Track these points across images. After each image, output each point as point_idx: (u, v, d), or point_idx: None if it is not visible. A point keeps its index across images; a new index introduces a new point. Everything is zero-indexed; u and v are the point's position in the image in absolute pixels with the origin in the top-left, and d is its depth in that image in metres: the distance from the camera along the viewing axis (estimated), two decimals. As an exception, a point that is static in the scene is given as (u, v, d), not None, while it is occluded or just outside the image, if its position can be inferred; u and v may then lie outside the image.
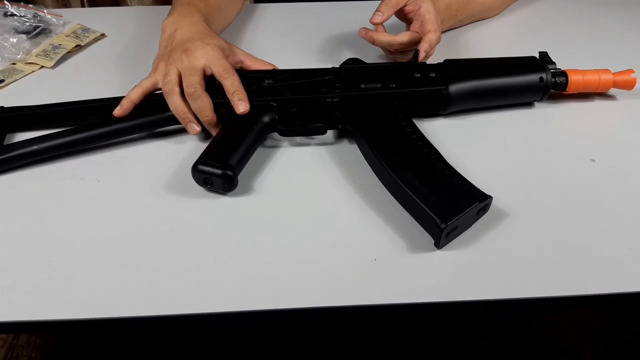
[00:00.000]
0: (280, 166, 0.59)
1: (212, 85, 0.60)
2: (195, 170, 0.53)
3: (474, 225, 0.51)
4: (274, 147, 0.62)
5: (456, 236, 0.50)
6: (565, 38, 0.83)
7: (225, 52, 0.64)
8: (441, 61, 0.66)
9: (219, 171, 0.52)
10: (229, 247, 0.49)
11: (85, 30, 0.86)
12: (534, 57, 0.67)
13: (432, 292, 0.46)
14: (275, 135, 0.62)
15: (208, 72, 0.61)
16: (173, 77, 0.60)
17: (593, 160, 0.59)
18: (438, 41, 0.69)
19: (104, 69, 0.78)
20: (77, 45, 0.82)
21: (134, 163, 0.59)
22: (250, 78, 0.62)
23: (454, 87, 0.63)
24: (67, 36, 0.83)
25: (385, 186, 0.55)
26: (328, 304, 0.45)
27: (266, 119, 0.59)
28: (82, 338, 1.09)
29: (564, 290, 0.46)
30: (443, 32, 0.77)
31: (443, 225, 0.47)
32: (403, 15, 0.73)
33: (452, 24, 0.82)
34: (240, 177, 0.55)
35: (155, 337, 1.03)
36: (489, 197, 0.50)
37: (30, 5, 0.88)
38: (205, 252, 0.49)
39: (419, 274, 0.47)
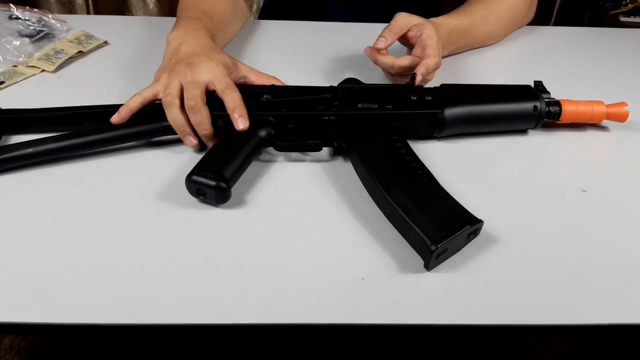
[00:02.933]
0: (274, 181, 0.59)
1: (210, 97, 0.61)
2: (189, 180, 0.53)
3: (464, 249, 0.51)
4: (269, 161, 0.62)
5: (446, 258, 0.50)
6: (560, 69, 0.85)
7: (229, 68, 0.64)
8: (438, 86, 0.67)
9: (212, 182, 0.52)
10: (218, 259, 0.49)
11: (89, 37, 0.87)
12: (529, 86, 0.68)
13: (419, 313, 0.46)
14: (271, 149, 0.63)
15: (211, 88, 0.62)
16: (174, 89, 0.60)
17: (584, 191, 0.60)
18: (437, 66, 0.70)
19: (104, 76, 0.78)
20: (79, 52, 0.83)
21: (128, 171, 0.60)
22: (249, 92, 0.63)
23: (449, 111, 0.63)
24: (70, 42, 0.84)
25: (377, 205, 0.55)
26: (313, 320, 0.45)
27: (262, 133, 0.60)
28: (67, 343, 1.08)
29: (551, 318, 0.46)
30: (443, 57, 0.78)
31: (433, 247, 0.47)
32: (406, 41, 0.74)
33: (452, 50, 0.83)
34: (233, 189, 0.55)
35: (142, 345, 1.02)
36: (480, 222, 0.50)
37: (36, 10, 0.88)
38: (193, 263, 0.49)
39: (407, 294, 0.47)
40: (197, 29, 0.70)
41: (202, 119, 0.59)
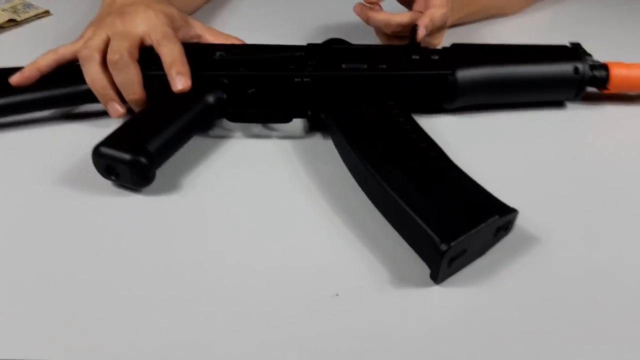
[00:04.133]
0: (225, 161, 0.44)
1: (146, 55, 0.46)
2: (97, 153, 0.38)
3: (490, 252, 0.35)
4: (223, 137, 0.47)
5: (464, 266, 0.34)
6: (595, 42, 0.68)
7: (175, 22, 0.50)
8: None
9: (126, 156, 0.37)
10: (134, 265, 0.34)
11: (27, 5, 0.72)
12: (565, 46, 0.53)
13: (421, 349, 0.29)
14: (227, 122, 0.47)
15: (147, 42, 0.47)
16: (96, 42, 0.46)
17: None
18: (444, 20, 0.55)
19: (39, 49, 0.63)
20: (11, 20, 0.68)
21: (29, 147, 0.45)
22: (198, 50, 0.48)
23: (463, 74, 0.48)
24: (3, 10, 0.70)
25: (366, 193, 0.40)
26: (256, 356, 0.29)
27: (210, 98, 0.44)
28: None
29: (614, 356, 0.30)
30: (452, 26, 0.63)
31: (444, 247, 0.31)
32: None
33: (463, 15, 0.68)
34: (165, 171, 0.40)
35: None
36: (513, 211, 0.34)
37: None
38: (101, 268, 0.34)
39: (403, 319, 0.31)
40: (143, -19, 0.56)
41: (130, 78, 0.44)
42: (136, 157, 0.37)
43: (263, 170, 0.43)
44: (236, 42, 0.52)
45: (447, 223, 0.32)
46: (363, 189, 0.40)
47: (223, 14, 0.73)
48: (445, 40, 0.58)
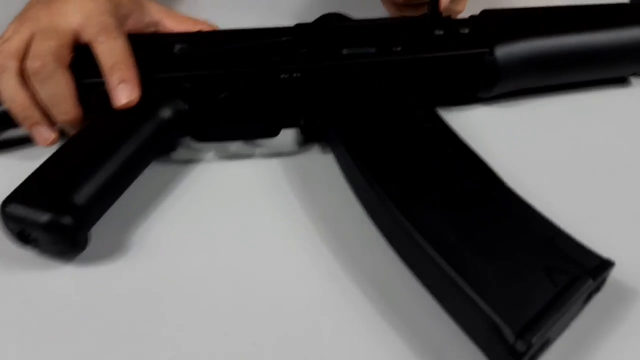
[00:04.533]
0: (191, 199, 0.33)
1: (83, 57, 0.34)
2: (4, 214, 0.27)
3: (574, 323, 0.24)
4: (187, 162, 0.35)
5: (543, 352, 0.23)
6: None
7: (122, 7, 0.39)
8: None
9: (44, 217, 0.26)
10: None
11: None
12: (626, 4, 0.41)
13: None
14: (191, 140, 0.36)
15: (83, 39, 0.36)
16: (14, 44, 0.35)
17: None
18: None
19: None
20: None
21: None
22: (151, 43, 0.37)
23: (505, 50, 0.36)
24: None
25: (387, 238, 0.29)
26: None
27: (167, 112, 0.33)
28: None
29: None
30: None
31: (522, 347, 0.20)
32: None
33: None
34: (104, 223, 0.29)
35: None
36: (609, 264, 0.23)
37: None
38: None
39: None
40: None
41: (58, 93, 0.33)
42: (56, 218, 0.26)
43: (244, 209, 0.32)
44: (205, 28, 0.41)
45: (519, 299, 0.21)
46: (382, 232, 0.29)
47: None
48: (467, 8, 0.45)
